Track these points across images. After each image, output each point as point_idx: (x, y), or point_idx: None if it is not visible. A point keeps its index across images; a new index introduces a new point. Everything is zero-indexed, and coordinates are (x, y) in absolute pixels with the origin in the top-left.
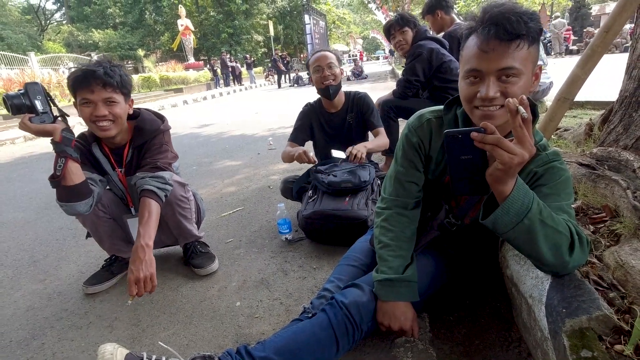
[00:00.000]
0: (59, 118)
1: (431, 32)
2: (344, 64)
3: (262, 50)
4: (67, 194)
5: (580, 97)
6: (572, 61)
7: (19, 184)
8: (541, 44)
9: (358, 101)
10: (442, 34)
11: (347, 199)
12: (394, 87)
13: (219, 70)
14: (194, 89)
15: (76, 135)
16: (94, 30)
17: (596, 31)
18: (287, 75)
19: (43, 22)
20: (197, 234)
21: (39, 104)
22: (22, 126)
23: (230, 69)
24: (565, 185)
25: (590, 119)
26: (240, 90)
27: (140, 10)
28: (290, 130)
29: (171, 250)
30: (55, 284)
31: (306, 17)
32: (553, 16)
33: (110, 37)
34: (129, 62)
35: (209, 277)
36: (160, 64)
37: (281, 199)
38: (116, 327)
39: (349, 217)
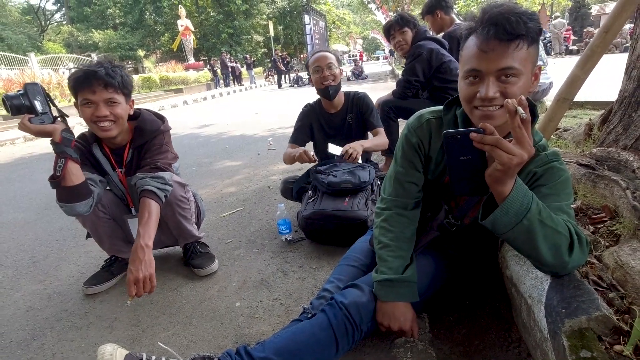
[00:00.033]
0: (59, 118)
1: (431, 33)
2: (343, 64)
3: (262, 50)
4: (67, 195)
5: (579, 97)
6: (572, 61)
7: (19, 185)
8: (541, 44)
9: (357, 101)
10: (442, 34)
11: (347, 199)
12: (394, 88)
13: (219, 71)
14: (194, 89)
15: (77, 136)
16: (94, 30)
17: (596, 31)
18: (287, 76)
19: (43, 22)
20: (197, 235)
21: (38, 105)
22: (22, 127)
23: (230, 69)
24: (564, 185)
25: (590, 119)
26: (240, 90)
27: (140, 11)
28: (290, 130)
29: (171, 250)
30: (55, 285)
31: (306, 17)
32: (553, 16)
33: (110, 38)
34: (129, 63)
35: (208, 277)
36: (160, 64)
37: (281, 199)
38: (116, 328)
39: (349, 218)
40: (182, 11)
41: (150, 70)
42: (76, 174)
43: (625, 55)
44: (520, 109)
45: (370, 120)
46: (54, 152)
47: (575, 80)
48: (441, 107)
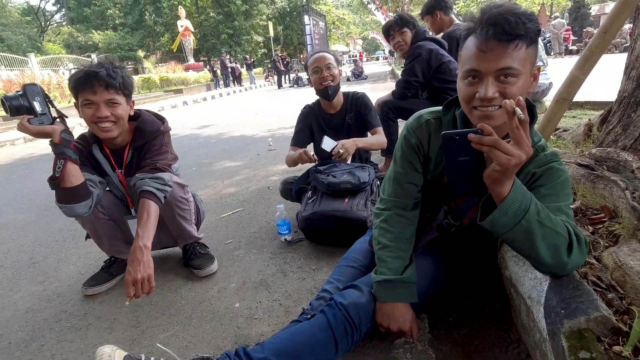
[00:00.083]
0: (58, 119)
1: (430, 33)
2: (343, 64)
3: (262, 51)
4: (66, 196)
5: (579, 97)
6: (571, 61)
7: (19, 186)
8: (542, 44)
9: (356, 101)
10: (441, 34)
11: (347, 199)
12: (394, 88)
13: (218, 71)
14: (194, 89)
15: (77, 137)
16: (93, 31)
17: (595, 31)
18: (287, 76)
19: (43, 23)
20: (197, 235)
21: (37, 105)
22: (21, 127)
23: (229, 70)
24: (563, 186)
25: (589, 120)
26: (240, 91)
27: (140, 12)
28: (290, 131)
29: (170, 251)
30: (55, 286)
31: (306, 17)
32: (552, 16)
33: (110, 38)
34: (129, 63)
35: (208, 278)
36: (160, 64)
37: (280, 200)
38: (115, 329)
39: (348, 218)
40: (181, 12)
41: (150, 70)
42: (75, 175)
43: (625, 55)
44: (518, 110)
45: (369, 120)
46: (53, 153)
47: (575, 81)
48: (440, 108)
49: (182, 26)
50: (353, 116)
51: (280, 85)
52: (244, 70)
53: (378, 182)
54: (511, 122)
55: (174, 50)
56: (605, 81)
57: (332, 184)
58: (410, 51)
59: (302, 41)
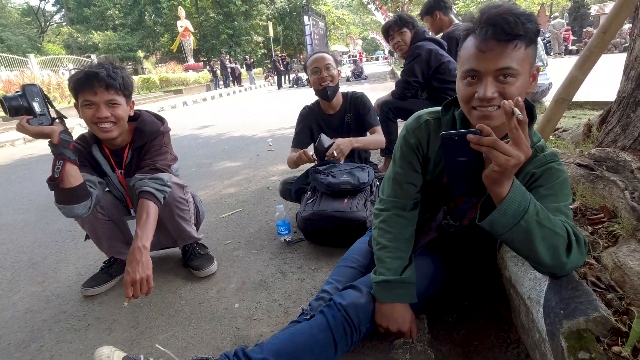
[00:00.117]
0: (57, 120)
1: (430, 33)
2: (343, 64)
3: (262, 51)
4: (65, 197)
5: (579, 97)
6: (571, 61)
7: (19, 186)
8: (542, 45)
9: (355, 101)
10: (441, 34)
11: (346, 200)
12: (393, 88)
13: (218, 72)
14: (194, 90)
15: (77, 137)
16: (93, 31)
17: (595, 31)
18: (287, 76)
19: (43, 23)
20: (196, 236)
21: (36, 106)
22: (20, 128)
23: (229, 70)
24: (563, 186)
25: (589, 120)
26: (240, 91)
27: (139, 12)
28: (290, 131)
29: (170, 252)
30: (54, 287)
31: (305, 18)
32: (552, 16)
33: (110, 39)
34: (129, 64)
35: (207, 278)
36: (159, 65)
37: (280, 200)
38: (115, 330)
39: (348, 219)
40: (181, 12)
41: (149, 71)
42: (74, 176)
43: (624, 55)
44: (516, 110)
45: (368, 120)
46: (52, 154)
47: (574, 81)
48: (439, 108)
49: (181, 26)
50: (352, 116)
51: (280, 86)
52: (243, 71)
53: (377, 183)
54: (510, 123)
55: (174, 51)
56: (604, 81)
57: (331, 185)
58: (409, 51)
59: (302, 41)
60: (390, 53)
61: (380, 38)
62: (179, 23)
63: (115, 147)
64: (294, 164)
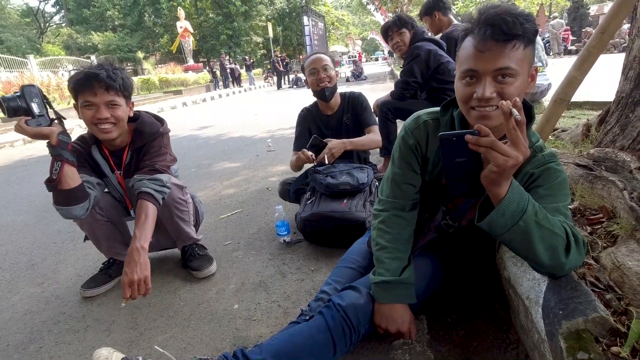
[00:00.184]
0: (56, 121)
1: (429, 34)
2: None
3: (261, 51)
4: (64, 198)
5: (578, 97)
6: (570, 61)
7: (18, 187)
8: (542, 45)
9: (353, 101)
10: (440, 35)
11: (345, 200)
12: (393, 89)
13: (218, 72)
14: (193, 90)
15: (76, 138)
16: (93, 32)
17: (594, 31)
18: (286, 77)
19: (42, 24)
20: (195, 237)
21: (35, 107)
22: (18, 129)
23: (229, 71)
24: (561, 186)
25: (588, 120)
26: (240, 92)
27: (139, 13)
28: (289, 132)
29: (169, 252)
30: (53, 288)
31: (305, 18)
32: (551, 17)
33: (110, 40)
34: (128, 65)
35: (207, 279)
36: (159, 66)
37: (279, 201)
38: (114, 331)
39: (347, 219)
40: (181, 13)
41: (149, 72)
42: (72, 177)
43: (623, 56)
44: (514, 111)
45: (364, 118)
46: (50, 155)
47: (572, 81)
48: (438, 109)
49: (181, 27)
50: (350, 116)
51: (279, 86)
52: (243, 71)
53: (377, 183)
54: (508, 123)
55: (174, 52)
56: (603, 81)
57: (330, 185)
58: (408, 52)
59: (301, 42)
60: (390, 53)
61: (379, 38)
62: (178, 24)
63: (115, 148)
64: (296, 166)
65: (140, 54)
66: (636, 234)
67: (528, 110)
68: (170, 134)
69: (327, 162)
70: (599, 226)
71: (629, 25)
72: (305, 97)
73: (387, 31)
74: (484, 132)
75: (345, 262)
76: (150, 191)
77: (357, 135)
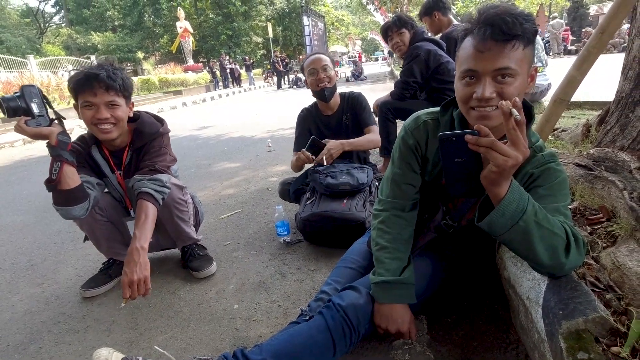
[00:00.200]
0: (56, 121)
1: (429, 34)
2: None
3: (261, 52)
4: (63, 198)
5: (578, 97)
6: (570, 61)
7: (18, 187)
8: (542, 45)
9: (352, 101)
10: (440, 35)
11: (345, 200)
12: (392, 89)
13: (218, 72)
14: (193, 91)
15: (76, 138)
16: (93, 33)
17: (593, 31)
18: (286, 77)
19: (42, 25)
20: (195, 237)
21: (35, 107)
22: (18, 129)
23: (229, 71)
24: (561, 186)
25: (588, 120)
26: (240, 92)
27: (139, 13)
28: (289, 132)
29: (169, 253)
30: (53, 288)
31: (305, 18)
32: (551, 17)
33: (110, 40)
34: (128, 65)
35: (206, 279)
36: (159, 66)
37: (279, 201)
38: (114, 331)
39: (347, 219)
40: (181, 13)
41: (149, 72)
42: (72, 178)
43: (623, 56)
44: (514, 111)
45: (363, 118)
46: (49, 155)
47: (572, 81)
48: (438, 109)
49: (181, 27)
50: (349, 116)
51: (279, 86)
52: (243, 72)
53: (377, 183)
54: (507, 123)
55: (173, 52)
56: (603, 81)
57: (330, 185)
58: (408, 52)
59: (301, 42)
60: (390, 54)
61: (379, 39)
62: (178, 24)
63: (115, 148)
64: (296, 166)
65: (140, 54)
66: (636, 234)
67: (528, 110)
68: (170, 134)
69: (325, 163)
70: (599, 226)
71: (629, 25)
72: (305, 97)
73: (387, 31)
74: (484, 132)
75: (345, 262)
76: (150, 191)
77: (356, 135)
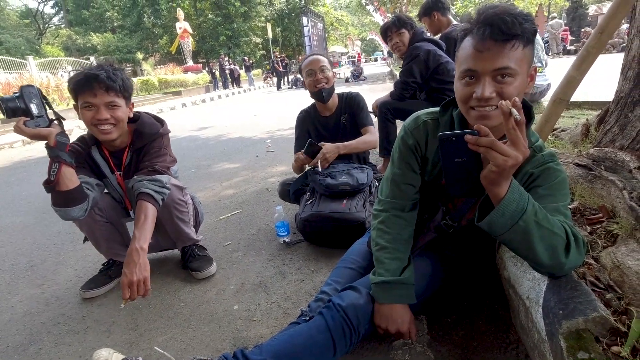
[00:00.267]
0: (55, 121)
1: (428, 34)
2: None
3: (261, 52)
4: (62, 199)
5: (577, 97)
6: (569, 61)
7: (18, 188)
8: (542, 45)
9: (350, 101)
10: (439, 35)
11: (345, 201)
12: (392, 89)
13: (217, 73)
14: (193, 91)
15: (76, 138)
16: (92, 33)
17: (592, 31)
18: (286, 77)
19: (41, 26)
20: (195, 238)
21: (34, 108)
22: (17, 130)
23: (228, 72)
24: (561, 186)
25: (587, 120)
26: (239, 92)
27: (138, 14)
28: (289, 132)
29: (169, 253)
30: (53, 289)
31: (304, 19)
32: (550, 17)
33: (109, 41)
34: (128, 66)
35: (206, 280)
36: (158, 67)
37: (279, 201)
38: (113, 332)
39: (347, 220)
40: (180, 14)
41: (148, 73)
42: (71, 179)
43: (622, 55)
44: (514, 111)
45: (360, 118)
46: (48, 157)
47: (571, 81)
48: (438, 109)
49: (180, 28)
50: (347, 117)
51: (279, 87)
52: (242, 72)
53: (376, 183)
54: (507, 123)
55: (173, 52)
56: (602, 81)
57: (330, 186)
58: (408, 52)
59: (300, 42)
60: (389, 54)
61: (378, 39)
62: (177, 25)
63: (115, 149)
64: (297, 168)
65: (139, 55)
66: (636, 233)
67: (527, 110)
68: (169, 134)
69: (320, 167)
70: (599, 226)
71: (628, 25)
72: (305, 98)
73: (386, 32)
74: (484, 132)
75: (345, 262)
76: (149, 192)
77: (355, 136)
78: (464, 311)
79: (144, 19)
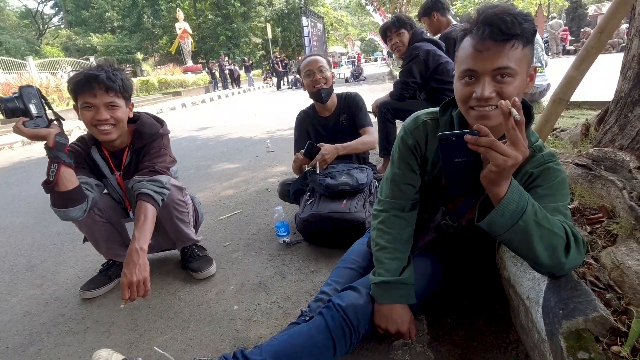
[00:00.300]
0: (54, 122)
1: (428, 34)
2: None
3: (261, 52)
4: (61, 200)
5: (577, 97)
6: (569, 61)
7: (17, 189)
8: (542, 45)
9: (349, 101)
10: (439, 35)
11: (345, 201)
12: (392, 89)
13: (217, 73)
14: (193, 92)
15: (76, 139)
16: (92, 34)
17: (592, 31)
18: (285, 77)
19: (41, 26)
20: (195, 238)
21: (33, 108)
22: (16, 130)
23: (228, 72)
24: (561, 186)
25: (587, 119)
26: (239, 93)
27: (138, 14)
28: (288, 132)
29: (169, 254)
30: (53, 289)
31: (304, 19)
32: (550, 17)
33: (109, 41)
34: (127, 66)
35: (206, 280)
36: (158, 67)
37: (279, 201)
38: (113, 332)
39: (347, 220)
40: (180, 14)
41: (148, 73)
42: (70, 179)
43: (622, 55)
44: (514, 111)
45: (359, 119)
46: (47, 157)
47: (571, 81)
48: (437, 109)
49: (180, 28)
50: (346, 117)
51: (279, 87)
52: (242, 72)
53: (376, 183)
54: (507, 123)
55: (172, 53)
56: (602, 81)
57: (330, 186)
58: (407, 52)
59: (300, 43)
60: (389, 54)
61: (378, 39)
62: (177, 25)
63: (115, 149)
64: (296, 169)
65: (139, 56)
66: (636, 233)
67: (527, 110)
68: (169, 135)
69: (318, 169)
70: (599, 226)
71: (627, 25)
72: (305, 98)
73: (386, 32)
74: (483, 132)
75: (345, 262)
76: (149, 192)
77: (354, 137)
78: (464, 311)
79: (144, 20)
